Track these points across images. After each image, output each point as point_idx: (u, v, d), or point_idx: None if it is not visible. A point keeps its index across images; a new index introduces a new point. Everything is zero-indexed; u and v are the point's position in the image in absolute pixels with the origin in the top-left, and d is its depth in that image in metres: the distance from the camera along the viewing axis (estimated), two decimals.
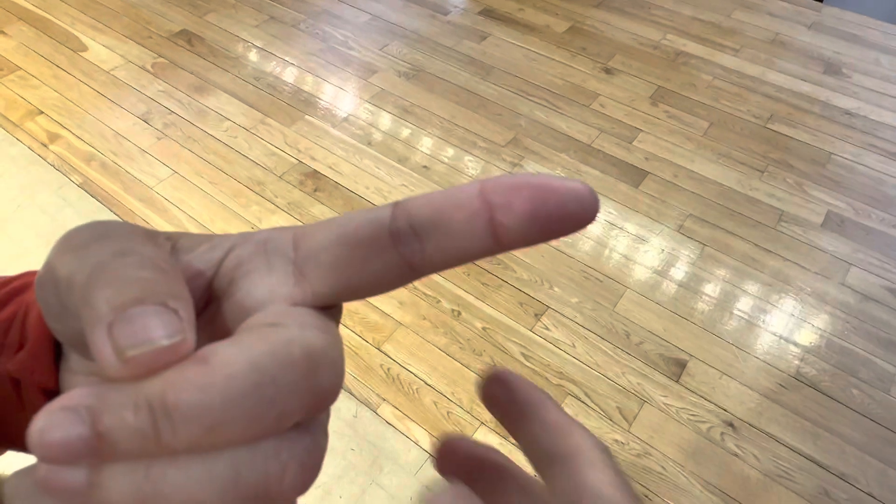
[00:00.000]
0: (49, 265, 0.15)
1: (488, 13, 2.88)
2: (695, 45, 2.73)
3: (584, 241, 1.95)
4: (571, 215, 0.14)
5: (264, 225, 1.95)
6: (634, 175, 2.17)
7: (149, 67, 2.51)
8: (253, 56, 2.59)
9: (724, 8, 2.96)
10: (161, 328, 0.12)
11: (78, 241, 0.15)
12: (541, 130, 2.30)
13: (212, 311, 0.17)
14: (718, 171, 2.18)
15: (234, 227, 1.95)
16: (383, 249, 0.15)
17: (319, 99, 2.40)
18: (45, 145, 2.17)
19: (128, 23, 2.73)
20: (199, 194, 2.04)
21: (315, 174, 2.11)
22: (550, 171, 2.16)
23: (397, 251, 0.15)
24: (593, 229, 2.00)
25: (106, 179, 2.07)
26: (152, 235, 0.16)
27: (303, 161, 2.15)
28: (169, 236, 0.17)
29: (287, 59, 2.57)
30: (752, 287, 1.85)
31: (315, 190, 2.06)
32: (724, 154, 2.25)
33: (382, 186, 2.09)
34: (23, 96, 2.34)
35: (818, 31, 2.84)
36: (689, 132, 2.33)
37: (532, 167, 2.16)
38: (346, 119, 2.32)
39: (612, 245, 1.95)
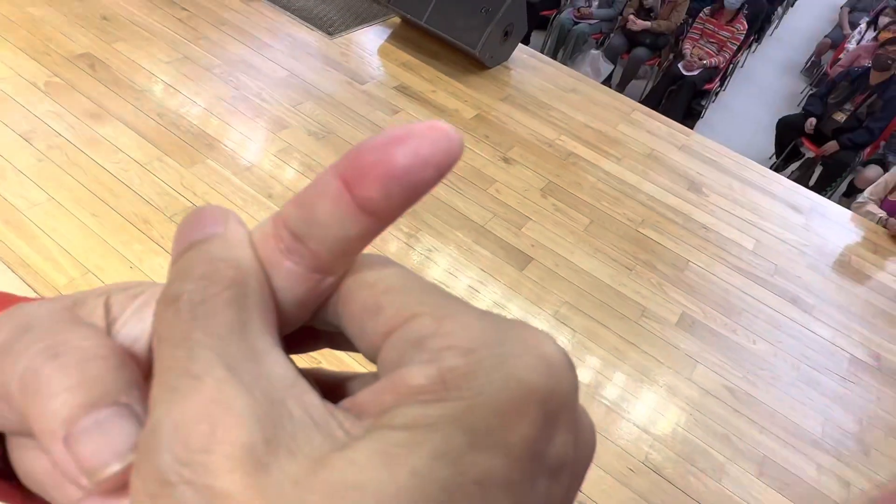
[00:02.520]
0: None
1: (403, 89, 3.04)
2: (584, 148, 3.03)
3: None
4: (432, 160, 0.13)
5: (145, 266, 1.87)
6: (520, 259, 2.32)
7: (41, 85, 2.37)
8: (159, 91, 2.53)
9: (611, 120, 3.32)
10: (123, 437, 0.12)
11: (0, 341, 0.14)
12: (440, 207, 2.42)
13: None
14: (594, 265, 2.39)
15: (111, 264, 1.85)
16: (279, 266, 0.14)
17: (224, 145, 2.38)
18: None
19: (25, 35, 2.59)
20: (75, 224, 1.92)
21: None
22: (444, 246, 2.27)
23: (295, 265, 0.14)
24: (480, 306, 2.10)
25: None
26: (80, 304, 0.15)
27: (197, 205, 2.10)
28: (100, 298, 0.16)
29: (195, 100, 2.54)
30: (615, 376, 2.01)
31: None
32: (600, 250, 2.47)
33: None
34: None
35: (686, 152, 3.26)
36: (572, 226, 2.54)
37: (427, 240, 2.25)
38: (248, 168, 2.31)
39: None
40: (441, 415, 0.11)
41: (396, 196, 0.13)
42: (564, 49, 4.94)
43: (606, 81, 4.73)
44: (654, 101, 4.57)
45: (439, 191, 2.50)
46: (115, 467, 0.12)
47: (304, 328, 0.16)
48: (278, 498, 0.10)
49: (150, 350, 0.15)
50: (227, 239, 0.14)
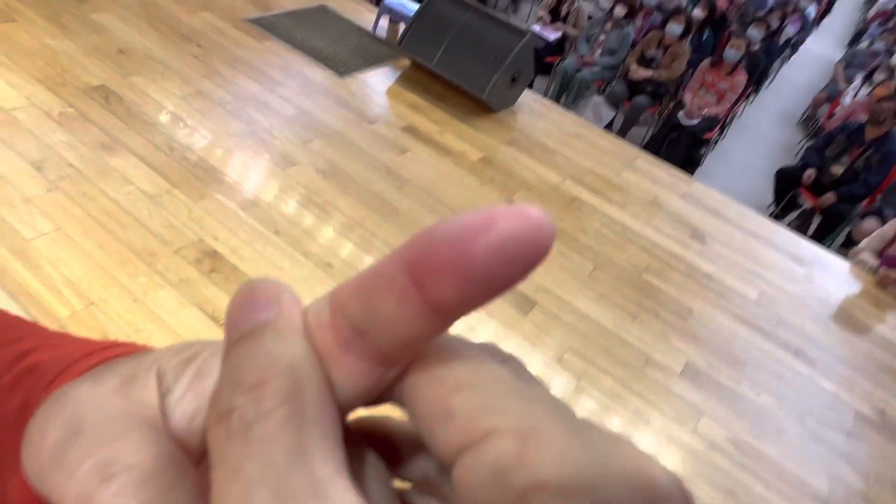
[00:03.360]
0: (27, 469, 0.14)
1: (411, 130, 3.08)
2: (588, 193, 3.06)
3: None
4: (519, 256, 0.11)
5: (149, 299, 1.85)
6: (524, 303, 2.31)
7: (54, 115, 2.40)
8: (171, 125, 2.56)
9: (615, 166, 3.36)
10: None
11: (51, 443, 0.13)
12: None
13: None
14: (598, 311, 2.39)
15: (114, 296, 1.83)
16: (338, 361, 0.13)
17: (232, 179, 2.39)
18: None
19: (42, 66, 2.63)
20: (81, 256, 1.91)
21: (214, 254, 2.06)
22: None
23: (355, 359, 0.13)
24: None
25: None
26: (131, 382, 0.15)
27: (204, 239, 2.10)
28: (151, 370, 0.15)
29: (207, 134, 2.57)
30: (615, 424, 1.98)
31: (211, 271, 2.00)
32: (604, 295, 2.47)
33: (283, 277, 2.06)
34: None
35: (689, 201, 3.29)
36: (577, 271, 2.55)
37: None
38: (255, 203, 2.32)
39: None
40: None
41: (474, 297, 0.11)
42: (567, 94, 5.04)
43: (608, 127, 4.81)
44: (654, 147, 4.64)
45: None
46: None
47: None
48: None
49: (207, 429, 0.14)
50: (280, 330, 0.13)
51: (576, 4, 5.37)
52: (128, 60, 2.85)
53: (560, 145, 3.35)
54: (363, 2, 4.46)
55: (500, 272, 0.11)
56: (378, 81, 3.43)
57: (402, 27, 3.67)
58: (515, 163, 3.09)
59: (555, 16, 5.39)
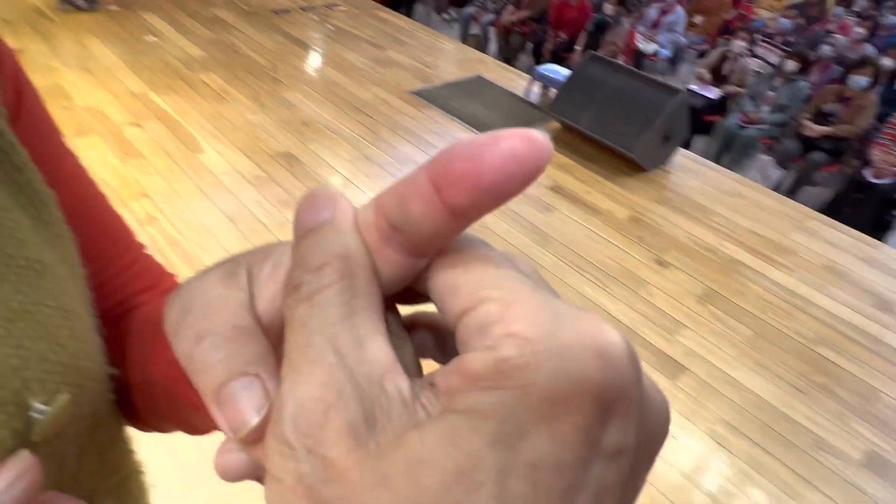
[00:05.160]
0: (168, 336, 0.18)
1: (557, 189, 3.13)
2: (749, 255, 2.84)
3: None
4: (519, 172, 0.13)
5: None
6: (672, 368, 2.18)
7: (249, 178, 2.82)
8: (338, 184, 2.87)
9: (782, 227, 3.09)
10: (253, 402, 0.15)
11: (171, 321, 0.17)
12: (586, 305, 2.39)
13: None
14: (758, 383, 2.17)
15: None
16: (381, 252, 0.16)
17: None
18: (141, 225, 2.42)
19: (243, 137, 3.12)
20: None
21: None
22: None
23: (393, 252, 0.16)
24: None
25: (183, 266, 2.26)
26: (231, 275, 0.18)
27: None
28: (243, 266, 0.18)
29: (368, 193, 2.84)
30: None
31: None
32: (766, 366, 2.24)
33: None
34: (138, 180, 2.66)
35: (874, 266, 2.91)
36: (733, 337, 2.35)
37: None
38: None
39: None
40: (496, 402, 0.12)
41: (483, 204, 0.14)
42: (730, 153, 4.77)
43: (775, 188, 4.45)
44: (833, 209, 4.18)
45: (586, 288, 2.48)
46: (249, 425, 0.15)
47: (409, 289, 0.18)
48: (370, 467, 0.13)
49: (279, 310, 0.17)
50: (337, 226, 0.16)
51: (739, 61, 5.14)
52: (309, 130, 3.28)
53: (717, 205, 3.18)
54: (517, 71, 4.69)
55: (503, 183, 0.13)
56: None
57: (553, 92, 3.80)
58: (666, 222, 2.99)
59: (715, 74, 5.20)
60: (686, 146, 4.20)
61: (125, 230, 0.43)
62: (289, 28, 4.66)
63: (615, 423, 0.13)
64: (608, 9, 5.21)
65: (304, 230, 0.16)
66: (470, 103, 3.90)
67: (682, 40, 6.04)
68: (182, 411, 0.33)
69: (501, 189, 0.13)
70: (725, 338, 2.35)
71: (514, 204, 2.94)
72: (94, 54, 3.75)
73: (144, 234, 2.37)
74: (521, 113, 3.88)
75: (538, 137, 0.13)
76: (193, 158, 2.89)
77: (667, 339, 2.30)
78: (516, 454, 0.12)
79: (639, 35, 5.67)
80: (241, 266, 0.18)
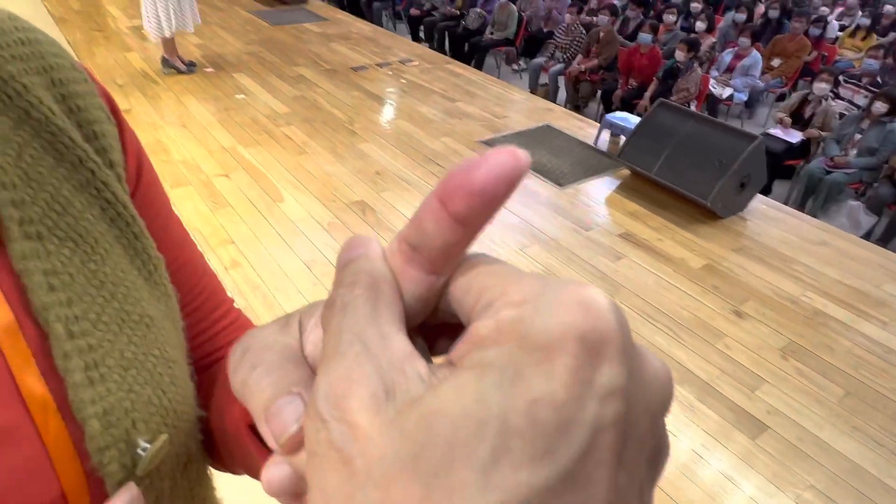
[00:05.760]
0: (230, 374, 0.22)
1: (628, 237, 3.08)
2: (837, 308, 2.67)
3: (693, 488, 1.84)
4: (498, 184, 0.16)
5: None
6: (753, 426, 2.06)
7: (325, 225, 2.96)
8: None
9: (874, 277, 2.90)
10: (290, 416, 0.18)
11: (233, 360, 0.21)
12: (659, 356, 2.31)
13: None
14: (852, 447, 2.01)
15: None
16: (404, 273, 0.18)
17: None
18: (226, 270, 2.58)
19: (320, 186, 3.29)
20: None
21: None
22: None
23: (415, 270, 0.18)
24: (704, 475, 1.89)
25: (262, 309, 2.39)
26: (288, 324, 0.22)
27: None
28: (296, 317, 0.22)
29: None
30: None
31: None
32: (860, 429, 2.07)
33: None
34: (225, 227, 2.86)
35: None
36: (821, 396, 2.20)
37: None
38: None
39: (725, 501, 1.81)
40: (496, 355, 0.14)
41: (478, 208, 0.16)
42: (815, 200, 4.55)
43: (866, 236, 4.18)
44: None
45: (658, 338, 2.41)
46: (290, 432, 0.18)
47: (444, 328, 0.20)
48: (389, 426, 0.15)
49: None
50: (369, 257, 0.19)
51: (823, 105, 4.95)
52: (382, 179, 3.42)
53: (800, 253, 3.02)
54: (586, 119, 4.72)
55: (491, 187, 0.16)
56: (597, 191, 3.54)
57: (622, 139, 3.79)
58: (744, 271, 2.87)
59: (797, 118, 5.02)
60: (765, 192, 4.04)
61: (217, 287, 0.48)
62: (365, 83, 4.92)
63: (604, 365, 0.14)
64: (679, 55, 5.18)
65: (342, 263, 0.19)
66: (538, 151, 3.94)
67: (759, 84, 5.89)
68: (248, 460, 0.37)
69: (491, 192, 0.16)
70: (813, 396, 2.20)
71: (583, 251, 2.92)
72: (191, 112, 4.10)
73: (228, 279, 2.52)
74: (589, 160, 3.89)
75: (516, 150, 0.16)
76: (275, 207, 3.08)
77: (747, 395, 2.18)
78: (515, 394, 0.14)
79: (712, 80, 5.59)
80: (294, 318, 0.22)
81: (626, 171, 3.66)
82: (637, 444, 0.15)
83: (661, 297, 2.65)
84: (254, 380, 0.19)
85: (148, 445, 0.32)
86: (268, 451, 0.30)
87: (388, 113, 4.54)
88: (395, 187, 3.36)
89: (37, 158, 0.32)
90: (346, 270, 0.19)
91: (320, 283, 2.55)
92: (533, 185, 3.51)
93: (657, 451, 0.16)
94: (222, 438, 0.41)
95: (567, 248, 2.95)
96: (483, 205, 0.16)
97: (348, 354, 0.16)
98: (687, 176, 3.24)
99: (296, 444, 0.18)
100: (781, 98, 6.00)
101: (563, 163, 3.82)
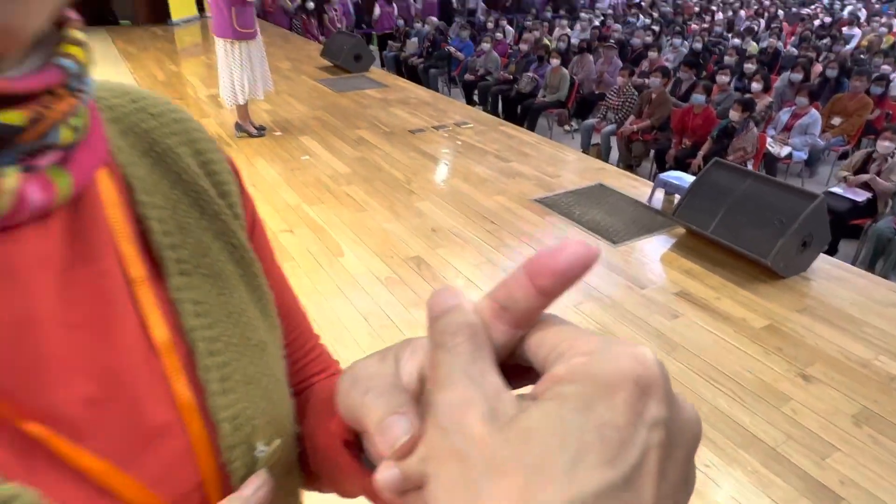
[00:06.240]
0: (339, 408, 0.27)
1: (685, 295, 3.04)
2: None
3: None
4: (576, 268, 0.21)
5: None
6: (825, 497, 1.95)
7: (382, 279, 3.06)
8: (461, 285, 3.01)
9: None
10: (400, 430, 0.22)
11: (343, 387, 0.26)
12: (721, 420, 2.24)
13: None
14: None
15: None
16: (493, 326, 0.23)
17: None
18: None
19: (379, 242, 3.42)
20: None
21: None
22: (725, 466, 2.05)
23: (502, 325, 0.23)
24: None
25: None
26: (385, 358, 0.27)
27: None
28: (392, 351, 0.27)
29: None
30: None
31: None
32: None
33: None
34: (288, 279, 2.99)
35: None
36: None
37: (706, 455, 2.07)
38: None
39: None
40: (572, 390, 0.19)
41: (559, 284, 0.21)
42: (885, 260, 4.36)
43: None
44: None
45: (720, 401, 2.33)
46: (400, 441, 0.22)
47: (516, 368, 0.24)
48: (496, 436, 0.19)
49: (417, 378, 0.26)
50: (463, 309, 0.23)
51: (889, 161, 4.81)
52: (437, 236, 3.52)
53: (869, 315, 2.90)
54: (639, 178, 4.74)
55: (570, 270, 0.21)
56: (652, 249, 3.53)
57: (676, 198, 3.78)
58: (809, 333, 2.76)
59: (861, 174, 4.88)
60: (831, 253, 3.92)
61: (308, 324, 0.55)
62: (422, 145, 5.14)
63: (652, 402, 0.19)
64: (734, 115, 5.18)
65: (438, 313, 0.24)
66: (591, 209, 3.98)
67: (820, 142, 5.78)
68: (336, 474, 0.42)
69: (571, 274, 0.21)
70: (891, 467, 2.07)
71: (638, 308, 2.90)
72: (260, 172, 4.37)
73: None
74: (643, 218, 3.89)
75: (589, 244, 0.22)
76: (335, 261, 3.21)
77: (817, 463, 2.07)
78: (588, 419, 0.19)
79: (770, 139, 5.53)
80: (389, 353, 0.27)
81: (680, 230, 3.63)
82: (674, 466, 0.20)
83: (721, 357, 2.59)
84: (368, 401, 0.24)
85: (265, 449, 0.38)
86: (357, 464, 0.36)
87: (443, 173, 4.70)
88: (450, 244, 3.45)
89: (186, 212, 0.40)
90: (444, 320, 0.23)
91: (377, 334, 2.62)
92: (587, 242, 3.52)
93: (688, 477, 0.21)
94: (312, 453, 0.46)
95: (621, 305, 2.93)
96: (563, 282, 0.21)
97: (458, 385, 0.21)
98: (745, 235, 3.19)
99: (405, 452, 0.22)
100: (844, 157, 5.85)
101: (617, 221, 3.83)
